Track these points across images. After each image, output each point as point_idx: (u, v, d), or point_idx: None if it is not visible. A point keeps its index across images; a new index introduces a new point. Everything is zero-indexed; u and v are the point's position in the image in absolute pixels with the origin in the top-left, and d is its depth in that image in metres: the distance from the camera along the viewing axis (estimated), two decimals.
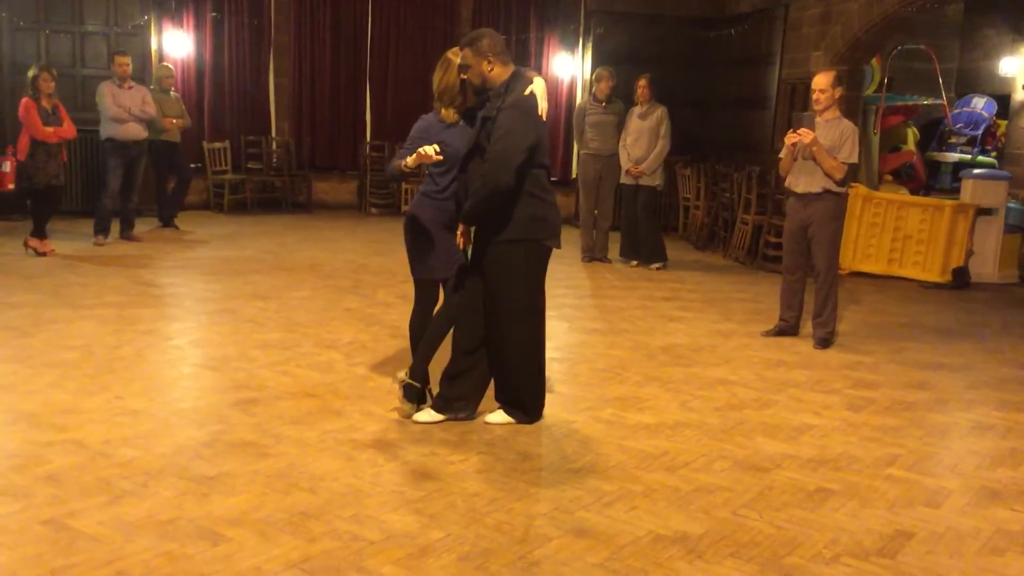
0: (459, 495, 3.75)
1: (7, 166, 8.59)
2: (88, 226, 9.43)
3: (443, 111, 4.52)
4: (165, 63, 10.80)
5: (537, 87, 4.34)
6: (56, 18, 10.89)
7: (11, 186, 8.58)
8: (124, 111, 9.23)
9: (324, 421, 4.53)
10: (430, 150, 4.25)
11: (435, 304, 4.73)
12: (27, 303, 6.67)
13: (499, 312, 4.49)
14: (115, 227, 9.52)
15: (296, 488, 3.74)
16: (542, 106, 4.35)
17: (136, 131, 9.37)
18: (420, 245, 4.56)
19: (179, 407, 4.69)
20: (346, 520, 3.47)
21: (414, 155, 4.32)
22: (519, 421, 4.60)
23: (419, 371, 4.64)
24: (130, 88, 9.39)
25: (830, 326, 6.45)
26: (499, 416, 4.62)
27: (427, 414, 4.59)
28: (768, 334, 6.64)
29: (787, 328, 6.63)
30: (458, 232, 4.58)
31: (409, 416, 4.59)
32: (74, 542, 3.19)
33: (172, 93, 10.44)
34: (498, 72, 4.36)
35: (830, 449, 4.48)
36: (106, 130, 9.27)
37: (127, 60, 9.44)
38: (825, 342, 6.39)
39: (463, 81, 4.43)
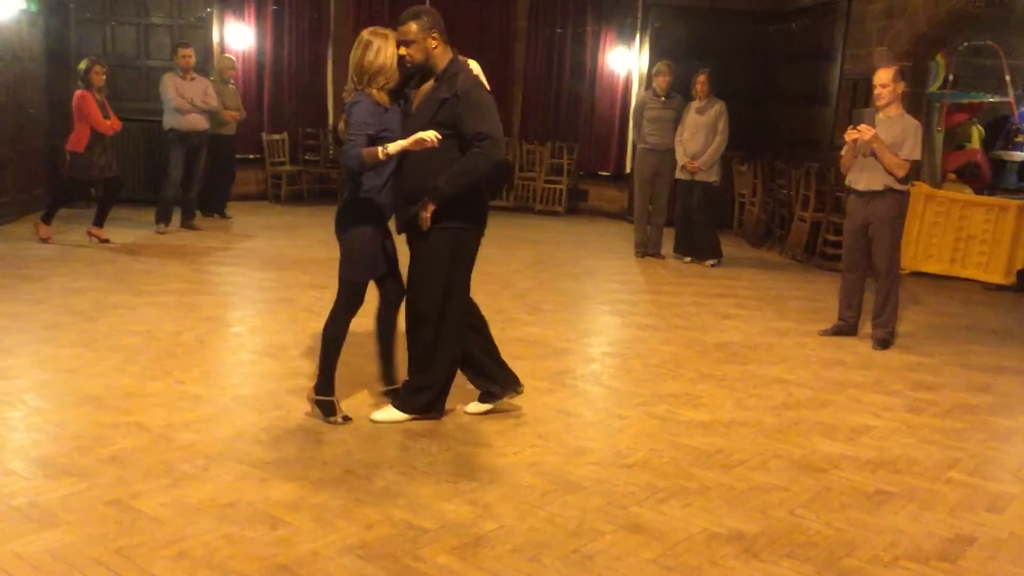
0: (512, 486, 3.76)
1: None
2: (150, 215, 9.63)
3: (375, 93, 4.13)
4: (227, 54, 10.96)
5: (476, 69, 4.28)
6: (121, 10, 11.11)
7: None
8: (187, 102, 9.39)
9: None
10: (431, 135, 3.93)
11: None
12: (92, 288, 6.83)
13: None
14: (177, 214, 9.71)
15: (352, 475, 3.78)
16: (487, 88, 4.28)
17: (198, 122, 9.53)
18: (338, 234, 4.35)
19: (238, 393, 4.78)
20: (401, 508, 3.50)
21: (409, 140, 3.95)
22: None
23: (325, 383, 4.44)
24: (193, 79, 9.54)
25: (890, 326, 6.33)
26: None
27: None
28: (826, 333, 6.54)
29: (846, 328, 6.52)
30: (427, 213, 4.19)
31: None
32: (137, 522, 3.27)
33: (230, 85, 10.60)
34: (441, 51, 4.21)
35: (889, 451, 4.41)
36: (169, 120, 9.44)
37: (190, 52, 9.60)
38: (885, 343, 6.27)
39: (401, 58, 4.16)
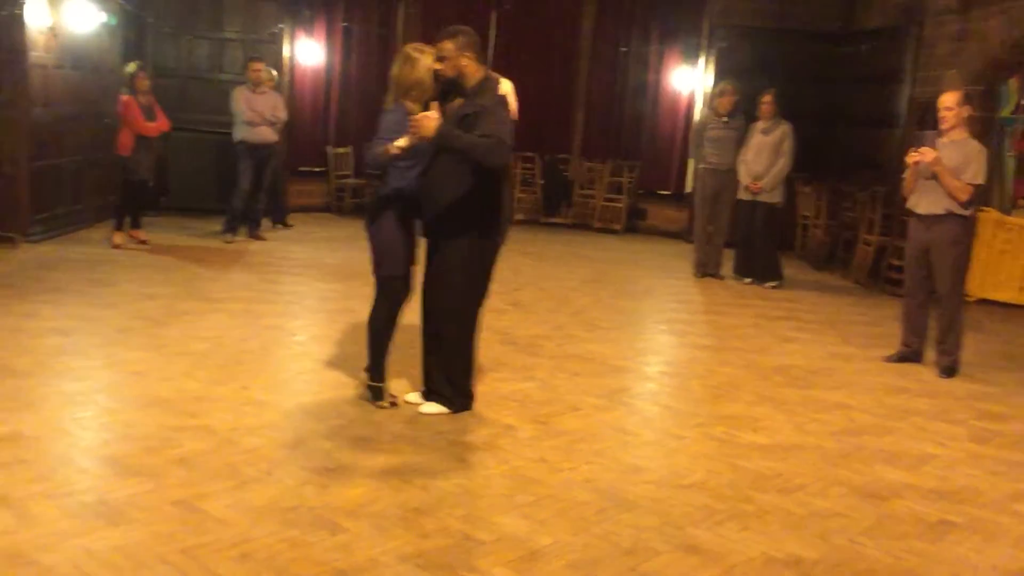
0: (568, 502, 3.77)
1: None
2: (218, 224, 9.87)
3: (409, 105, 4.42)
4: (268, 68, 11.04)
5: (506, 88, 4.55)
6: (197, 24, 11.45)
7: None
8: (257, 115, 9.62)
9: (437, 422, 4.63)
10: (428, 114, 4.22)
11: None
12: (162, 295, 7.03)
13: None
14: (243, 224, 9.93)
15: (409, 485, 3.83)
16: (513, 107, 4.58)
17: (267, 134, 9.75)
18: (368, 234, 4.70)
19: (301, 400, 4.88)
20: (457, 519, 3.54)
21: (407, 137, 4.25)
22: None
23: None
24: (263, 93, 9.77)
25: (954, 354, 6.20)
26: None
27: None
28: (890, 360, 6.43)
29: (910, 354, 6.41)
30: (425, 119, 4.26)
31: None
32: (203, 523, 3.36)
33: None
34: (472, 69, 4.47)
35: (953, 481, 4.32)
36: (238, 133, 9.68)
37: (261, 66, 9.84)
38: (950, 371, 6.15)
39: (436, 73, 4.44)
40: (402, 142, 4.29)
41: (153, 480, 3.70)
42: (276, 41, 11.54)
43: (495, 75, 4.60)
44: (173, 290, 7.24)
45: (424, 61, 4.44)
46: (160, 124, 9.07)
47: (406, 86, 4.45)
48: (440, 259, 4.63)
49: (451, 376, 4.75)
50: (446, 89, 4.50)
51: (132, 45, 10.97)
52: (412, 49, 4.50)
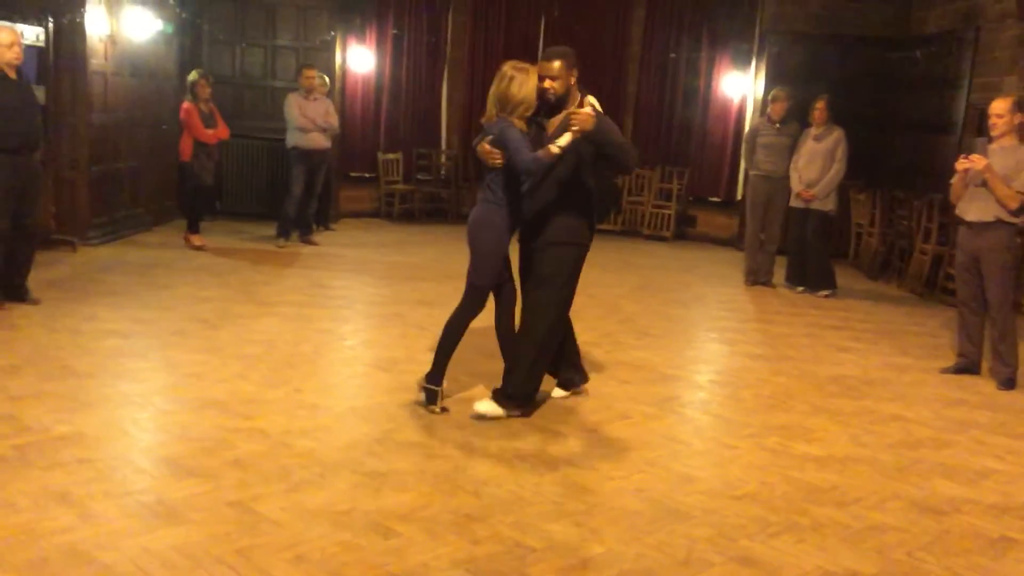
0: (619, 511, 3.75)
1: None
2: (270, 228, 10.00)
3: (516, 121, 4.54)
4: (321, 75, 11.13)
5: (595, 103, 4.73)
6: (251, 32, 11.63)
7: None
8: (309, 121, 9.72)
9: (487, 428, 4.63)
10: (585, 111, 4.42)
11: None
12: (216, 298, 7.14)
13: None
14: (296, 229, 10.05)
15: (461, 490, 3.84)
16: None
17: (319, 140, 9.85)
18: (475, 245, 4.75)
19: (352, 404, 4.91)
20: (508, 526, 3.53)
21: (568, 135, 4.38)
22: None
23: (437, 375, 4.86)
24: (315, 100, 9.88)
25: (1012, 364, 6.05)
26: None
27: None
28: (947, 371, 6.30)
29: (968, 365, 6.27)
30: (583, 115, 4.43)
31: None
32: (258, 524, 3.40)
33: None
34: (575, 86, 4.71)
35: (1015, 497, 4.22)
36: (291, 139, 9.80)
37: (314, 73, 9.95)
38: (1009, 382, 6.00)
39: (545, 91, 4.59)
40: (564, 141, 4.41)
41: (209, 481, 3.75)
42: (328, 48, 11.67)
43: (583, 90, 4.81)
44: (227, 293, 7.35)
45: (532, 80, 4.55)
46: (220, 131, 9.25)
47: (515, 103, 4.53)
48: (542, 265, 4.77)
49: (524, 373, 4.77)
50: (545, 105, 4.67)
51: (188, 52, 11.18)
52: (514, 69, 4.56)
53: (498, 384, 4.85)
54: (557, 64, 4.59)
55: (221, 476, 3.81)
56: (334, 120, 10.00)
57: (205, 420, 4.48)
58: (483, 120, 4.68)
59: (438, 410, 4.77)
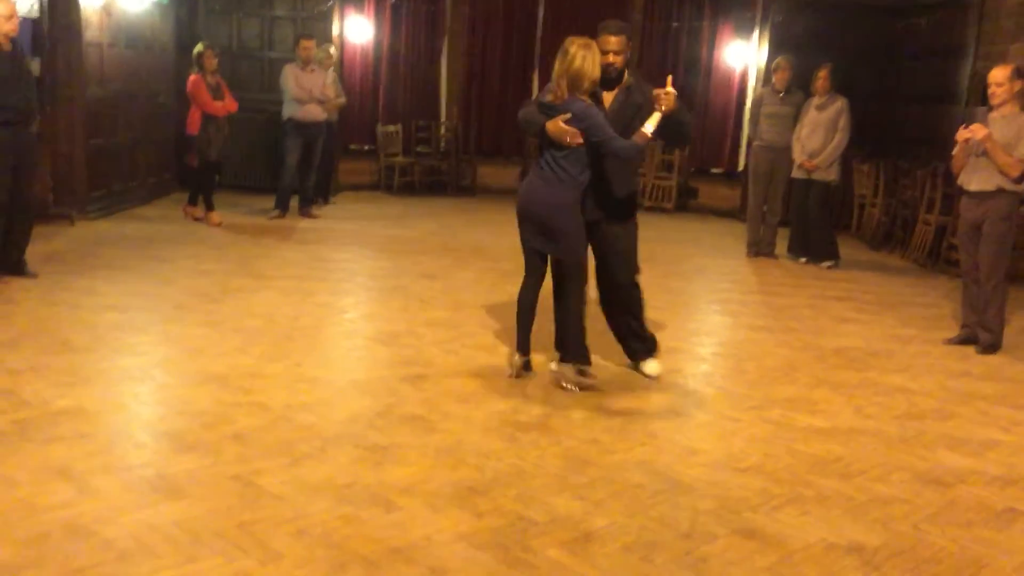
0: (622, 484, 3.73)
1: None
2: (269, 201, 9.94)
3: (583, 97, 4.58)
4: (326, 44, 11.07)
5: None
6: (247, 2, 11.48)
7: (196, 163, 9.15)
8: (306, 92, 9.62)
9: (489, 401, 4.61)
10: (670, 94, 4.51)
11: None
12: (216, 271, 7.10)
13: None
14: (294, 202, 9.98)
15: (463, 464, 3.82)
16: None
17: (316, 112, 9.76)
18: (548, 230, 4.71)
19: (353, 377, 4.89)
20: (511, 499, 3.52)
21: (656, 116, 4.49)
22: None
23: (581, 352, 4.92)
24: (312, 71, 9.77)
25: (995, 331, 6.05)
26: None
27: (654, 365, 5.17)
28: (951, 342, 6.27)
29: (972, 336, 6.24)
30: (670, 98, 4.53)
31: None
32: (259, 499, 3.38)
33: (331, 73, 10.77)
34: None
35: (1019, 468, 4.19)
36: (288, 110, 9.70)
37: (311, 44, 9.82)
38: (991, 347, 6.01)
39: (610, 66, 4.67)
40: (653, 123, 4.50)
41: (210, 455, 3.73)
42: (325, 18, 11.53)
43: None
44: (226, 267, 7.31)
45: (597, 55, 4.57)
46: (228, 104, 9.13)
47: (589, 81, 4.55)
48: (614, 239, 4.95)
49: (644, 328, 5.18)
50: (606, 79, 4.73)
51: (184, 23, 11.06)
52: (580, 46, 4.55)
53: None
54: (621, 39, 4.70)
55: (221, 450, 3.79)
56: (331, 92, 9.90)
57: (205, 394, 4.45)
58: (549, 98, 4.61)
59: (595, 377, 4.90)
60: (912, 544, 3.37)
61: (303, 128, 9.70)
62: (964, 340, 6.25)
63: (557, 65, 4.57)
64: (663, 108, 4.47)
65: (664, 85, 4.54)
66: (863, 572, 3.14)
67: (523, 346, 4.97)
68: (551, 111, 4.57)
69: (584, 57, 4.50)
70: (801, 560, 3.20)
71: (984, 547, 3.39)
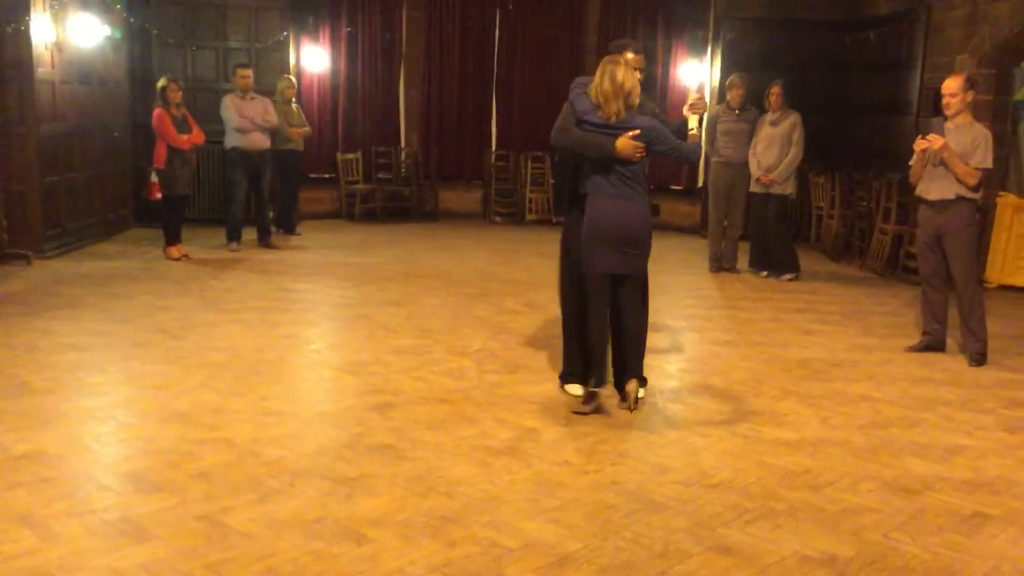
0: (595, 506, 3.72)
1: (155, 176, 9.08)
2: (220, 234, 9.84)
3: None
4: (286, 75, 11.05)
5: None
6: (201, 35, 11.42)
7: (158, 195, 9.07)
8: (247, 121, 9.53)
9: (458, 427, 4.58)
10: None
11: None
12: (177, 307, 7.00)
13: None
14: (251, 235, 9.87)
15: (434, 492, 3.79)
16: None
17: (260, 141, 9.65)
18: (638, 244, 4.84)
19: (320, 409, 4.84)
20: (484, 526, 3.49)
21: (695, 117, 4.93)
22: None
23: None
24: (252, 99, 9.69)
25: (981, 339, 6.12)
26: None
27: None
28: (913, 349, 6.35)
29: (933, 343, 6.33)
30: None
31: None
32: (227, 538, 3.32)
33: (293, 104, 10.76)
34: None
35: (986, 472, 4.25)
36: (230, 140, 9.59)
37: (248, 72, 9.75)
38: (979, 357, 6.07)
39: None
40: (695, 123, 4.93)
41: (175, 495, 3.66)
42: (281, 49, 11.51)
43: None
44: (187, 301, 7.21)
45: (634, 72, 4.75)
46: (194, 136, 9.05)
47: (636, 95, 4.72)
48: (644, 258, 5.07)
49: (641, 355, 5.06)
50: None
51: (137, 58, 10.97)
52: (623, 64, 4.69)
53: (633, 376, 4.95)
54: (640, 57, 4.93)
55: (187, 490, 3.72)
56: (273, 118, 9.81)
57: (169, 432, 4.37)
58: (602, 117, 4.71)
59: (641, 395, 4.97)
60: (884, 553, 3.39)
61: (247, 157, 9.60)
62: (925, 347, 6.34)
63: (607, 86, 4.67)
64: (700, 111, 4.91)
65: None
66: None
67: (603, 376, 4.90)
68: (613, 131, 4.69)
69: (626, 75, 4.67)
70: (776, 574, 3.20)
71: (955, 552, 3.42)
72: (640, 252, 4.86)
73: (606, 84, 4.66)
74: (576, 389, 5.11)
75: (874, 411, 5.07)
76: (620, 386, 5.00)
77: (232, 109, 9.56)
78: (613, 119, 4.68)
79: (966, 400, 5.33)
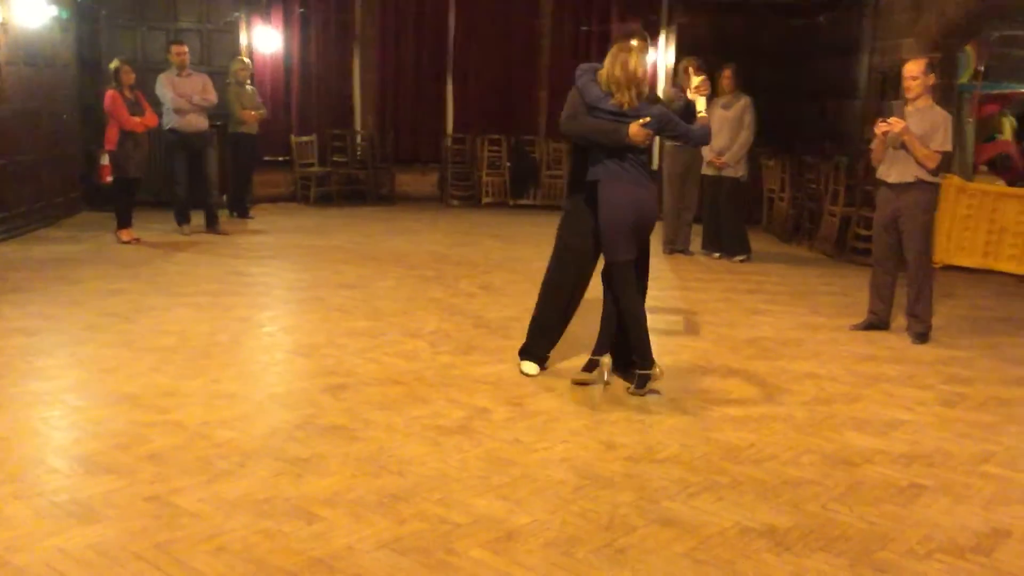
0: (544, 482, 3.79)
1: (105, 159, 8.97)
2: (167, 217, 9.74)
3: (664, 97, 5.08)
4: (240, 57, 10.92)
5: None
6: (151, 15, 11.25)
7: (109, 178, 8.96)
8: (185, 100, 9.32)
9: (410, 407, 4.62)
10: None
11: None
12: (128, 291, 6.94)
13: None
14: (200, 218, 9.75)
15: (385, 471, 3.83)
16: None
17: (198, 122, 9.46)
18: (650, 229, 5.00)
19: (272, 391, 4.84)
20: (434, 503, 3.54)
21: (702, 99, 5.04)
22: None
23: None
24: (189, 76, 9.51)
25: (927, 321, 6.28)
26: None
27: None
28: (857, 328, 6.50)
29: (877, 322, 6.48)
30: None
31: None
32: (176, 518, 3.33)
33: (248, 86, 10.64)
34: None
35: (923, 445, 4.39)
36: (168, 120, 9.40)
37: (184, 49, 9.55)
38: (922, 336, 6.23)
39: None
40: (702, 106, 5.03)
41: (125, 477, 3.66)
42: (233, 30, 11.38)
43: None
44: (138, 285, 7.15)
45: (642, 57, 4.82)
46: (147, 119, 8.92)
47: (647, 83, 4.79)
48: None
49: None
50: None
51: (86, 40, 10.78)
52: (637, 50, 4.72)
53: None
54: (645, 43, 4.94)
55: (137, 471, 3.72)
56: (212, 96, 9.60)
57: (119, 415, 4.36)
58: (614, 105, 4.74)
59: (661, 389, 4.99)
60: (822, 523, 3.50)
61: (187, 140, 9.44)
62: (869, 326, 6.49)
63: (619, 73, 4.70)
64: (705, 93, 5.01)
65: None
66: (775, 553, 3.26)
67: (606, 345, 5.13)
68: (625, 117, 4.74)
69: (638, 63, 4.71)
70: (717, 544, 3.30)
71: (890, 522, 3.54)
72: (646, 237, 5.05)
73: (618, 72, 4.71)
74: (532, 368, 5.20)
75: (818, 388, 5.20)
76: (623, 366, 5.16)
77: (168, 86, 9.35)
78: (626, 107, 4.73)
79: (907, 376, 5.49)
